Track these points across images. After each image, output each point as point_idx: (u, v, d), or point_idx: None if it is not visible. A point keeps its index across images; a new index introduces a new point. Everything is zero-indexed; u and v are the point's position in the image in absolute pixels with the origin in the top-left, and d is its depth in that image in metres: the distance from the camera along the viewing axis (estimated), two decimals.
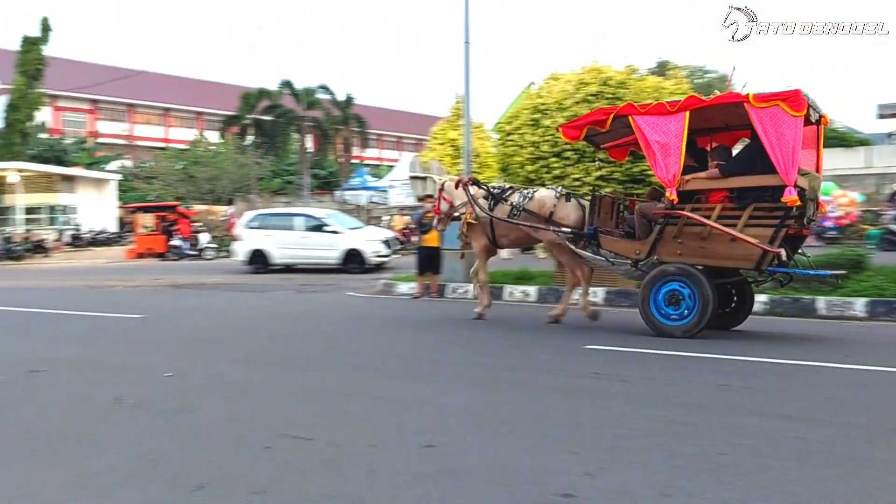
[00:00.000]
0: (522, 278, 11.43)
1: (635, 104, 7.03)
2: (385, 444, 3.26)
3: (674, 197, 6.42)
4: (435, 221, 9.26)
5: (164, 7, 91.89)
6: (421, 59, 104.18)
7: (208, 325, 8.20)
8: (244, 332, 7.65)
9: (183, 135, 46.93)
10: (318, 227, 16.88)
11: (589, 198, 7.70)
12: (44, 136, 39.33)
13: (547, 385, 4.62)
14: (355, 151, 43.91)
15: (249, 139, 38.23)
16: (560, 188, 8.16)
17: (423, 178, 17.98)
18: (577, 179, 10.47)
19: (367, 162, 48.91)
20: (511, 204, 7.85)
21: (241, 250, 17.56)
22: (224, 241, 28.45)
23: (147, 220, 29.41)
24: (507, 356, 5.80)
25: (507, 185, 8.58)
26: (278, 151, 38.81)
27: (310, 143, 40.63)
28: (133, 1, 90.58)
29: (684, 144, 6.37)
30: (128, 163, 44.19)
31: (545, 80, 12.17)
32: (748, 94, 6.13)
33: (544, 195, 7.79)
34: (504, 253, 8.49)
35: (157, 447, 3.27)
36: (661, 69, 32.75)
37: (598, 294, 10.13)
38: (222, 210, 33.13)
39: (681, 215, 6.48)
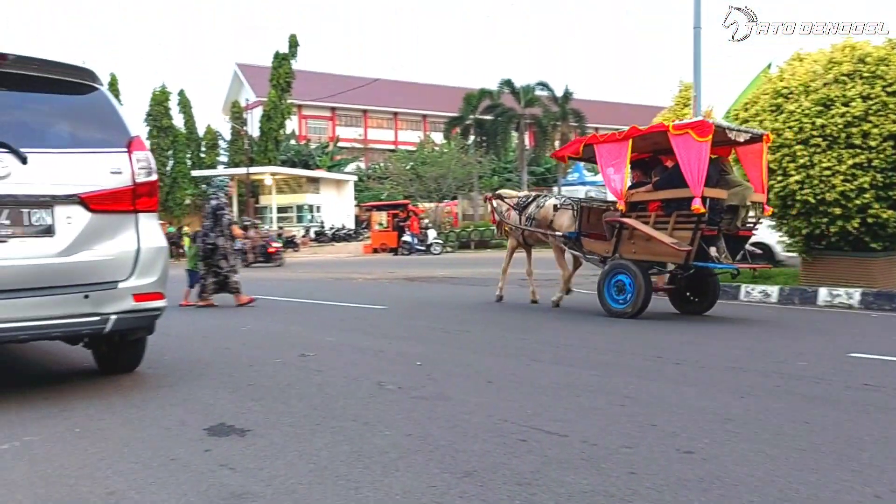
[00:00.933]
0: (761, 277, 10.70)
1: (597, 135, 9.24)
2: (641, 446, 3.22)
3: (622, 207, 8.01)
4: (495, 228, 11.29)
5: (391, 17, 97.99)
6: (640, 48, 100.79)
7: (446, 316, 8.65)
8: (479, 322, 7.98)
9: (410, 137, 49.81)
10: None
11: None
12: (292, 142, 43.84)
13: (809, 394, 4.28)
14: None
15: (471, 139, 39.52)
16: (564, 199, 9.85)
17: None
18: (826, 168, 9.50)
19: None
20: (527, 215, 9.74)
21: None
22: (449, 236, 29.76)
23: (381, 218, 31.67)
24: (758, 360, 5.43)
25: (534, 194, 10.48)
26: (498, 150, 39.68)
27: (527, 140, 41.06)
28: (365, 15, 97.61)
29: (628, 165, 8.08)
30: (362, 165, 47.91)
31: (787, 62, 11.22)
32: (669, 125, 7.67)
33: (547, 206, 9.55)
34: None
35: (422, 431, 3.51)
36: None
37: (853, 296, 9.21)
38: (431, 206, 34.59)
39: (620, 222, 8.06)
